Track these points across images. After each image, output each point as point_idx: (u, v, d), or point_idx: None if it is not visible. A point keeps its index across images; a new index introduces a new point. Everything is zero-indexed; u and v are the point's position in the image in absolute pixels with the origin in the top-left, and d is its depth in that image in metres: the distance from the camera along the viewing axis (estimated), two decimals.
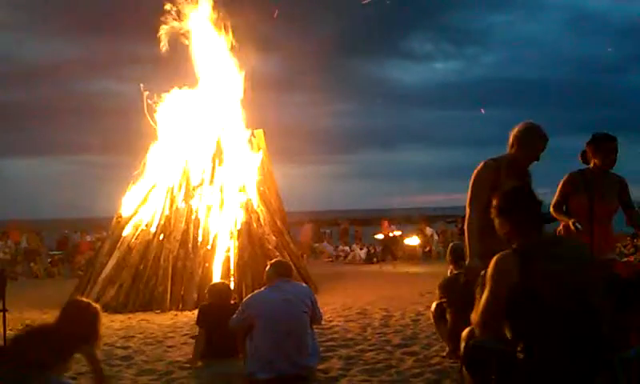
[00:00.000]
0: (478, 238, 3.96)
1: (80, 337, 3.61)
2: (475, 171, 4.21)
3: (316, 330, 5.51)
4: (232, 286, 9.87)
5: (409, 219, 26.40)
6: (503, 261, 2.71)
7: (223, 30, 11.77)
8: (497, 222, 2.91)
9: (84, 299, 4.03)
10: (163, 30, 11.35)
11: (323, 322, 7.56)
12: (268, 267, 5.31)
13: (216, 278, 9.78)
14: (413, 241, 18.33)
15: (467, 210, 4.16)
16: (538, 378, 2.59)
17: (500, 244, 2.97)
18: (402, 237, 19.09)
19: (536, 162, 4.26)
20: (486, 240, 3.68)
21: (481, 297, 2.79)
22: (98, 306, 4.00)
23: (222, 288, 6.37)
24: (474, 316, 2.80)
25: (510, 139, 4.23)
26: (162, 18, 11.37)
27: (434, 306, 5.83)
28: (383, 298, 9.92)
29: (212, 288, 6.44)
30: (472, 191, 4.17)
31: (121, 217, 11.11)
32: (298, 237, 18.00)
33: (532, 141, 4.19)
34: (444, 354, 5.66)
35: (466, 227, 4.12)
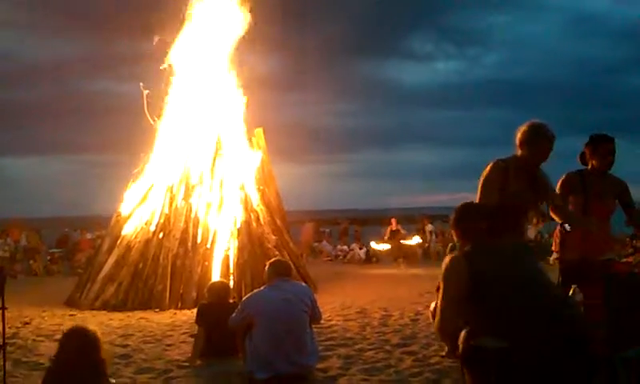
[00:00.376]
0: None
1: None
2: (484, 172, 4.19)
3: (315, 330, 5.51)
4: (231, 284, 9.89)
5: (411, 219, 26.34)
6: (454, 262, 3.03)
7: (225, 28, 11.77)
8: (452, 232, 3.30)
9: (79, 326, 3.50)
10: (164, 29, 11.35)
11: (322, 322, 7.58)
12: (267, 266, 5.31)
13: (215, 276, 9.78)
14: (414, 240, 18.27)
15: None
16: (517, 371, 2.73)
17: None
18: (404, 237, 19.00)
19: (545, 160, 4.22)
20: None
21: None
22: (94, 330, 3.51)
23: (221, 287, 6.39)
24: (436, 320, 3.01)
25: (517, 140, 4.19)
26: (163, 17, 11.37)
27: (432, 305, 5.83)
28: (382, 297, 9.92)
29: (211, 287, 6.46)
30: (481, 192, 4.14)
31: (120, 215, 11.11)
32: (298, 236, 17.99)
33: (538, 140, 4.15)
34: (443, 353, 5.66)
35: None
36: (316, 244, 20.15)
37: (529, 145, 4.14)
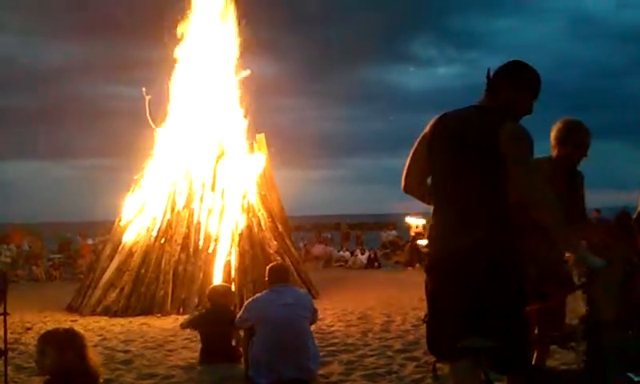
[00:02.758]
0: None
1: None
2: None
3: (316, 335, 5.51)
4: (233, 289, 9.88)
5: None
6: None
7: (228, 33, 11.81)
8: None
9: (60, 328, 3.16)
10: (168, 35, 11.39)
11: (324, 327, 7.58)
12: (267, 271, 5.31)
13: (217, 282, 9.77)
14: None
15: None
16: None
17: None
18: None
19: (584, 157, 3.90)
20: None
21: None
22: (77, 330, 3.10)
23: (223, 291, 6.36)
24: None
25: (552, 139, 3.90)
26: (167, 22, 11.41)
27: None
28: (384, 303, 9.90)
29: (212, 291, 6.43)
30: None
31: (122, 221, 11.12)
32: (299, 241, 17.96)
33: (573, 138, 3.85)
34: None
35: None
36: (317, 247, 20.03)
37: (564, 143, 3.84)
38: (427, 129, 2.97)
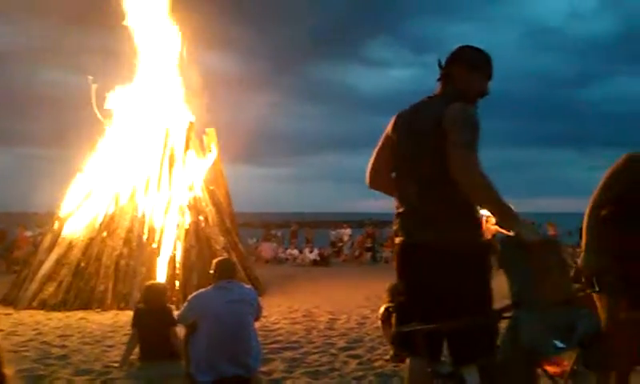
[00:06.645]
0: (595, 234, 3.45)
1: None
2: (613, 165, 3.54)
3: (261, 333, 5.47)
4: (177, 285, 9.70)
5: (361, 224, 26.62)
6: None
7: (178, 26, 11.59)
8: None
9: None
10: (115, 22, 11.08)
11: (268, 325, 7.55)
12: (213, 266, 5.23)
13: (161, 277, 9.58)
14: None
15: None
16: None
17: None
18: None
19: None
20: (611, 236, 3.35)
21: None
22: None
23: (157, 290, 6.15)
24: None
25: None
26: (114, 9, 11.10)
27: (382, 309, 5.90)
28: (330, 300, 9.94)
29: (146, 290, 6.17)
30: (602, 183, 3.52)
31: (62, 212, 10.74)
32: (247, 237, 17.81)
33: None
34: (387, 357, 5.71)
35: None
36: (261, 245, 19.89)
37: None
38: (389, 126, 3.07)
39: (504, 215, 2.63)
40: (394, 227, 3.00)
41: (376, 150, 3.11)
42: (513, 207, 2.69)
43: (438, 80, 2.96)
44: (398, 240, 2.97)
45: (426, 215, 2.80)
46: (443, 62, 2.97)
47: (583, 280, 3.41)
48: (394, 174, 3.04)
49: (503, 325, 2.76)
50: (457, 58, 2.95)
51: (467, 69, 2.92)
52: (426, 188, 2.80)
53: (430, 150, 2.77)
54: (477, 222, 2.86)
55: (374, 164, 3.11)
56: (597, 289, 3.30)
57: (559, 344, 2.55)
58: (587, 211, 3.49)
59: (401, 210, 2.94)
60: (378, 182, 3.13)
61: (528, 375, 2.69)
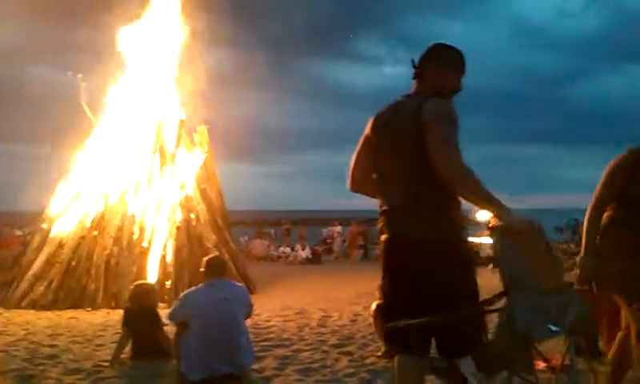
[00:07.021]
0: (594, 234, 3.41)
1: None
2: (614, 159, 3.47)
3: (252, 330, 5.46)
4: (168, 285, 9.65)
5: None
6: None
7: (171, 24, 11.53)
8: None
9: None
10: (106, 19, 11.01)
11: (260, 322, 7.54)
12: (203, 263, 5.21)
13: (152, 276, 9.54)
14: None
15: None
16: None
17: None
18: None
19: None
20: (612, 235, 3.34)
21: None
22: None
23: (143, 291, 6.08)
24: None
25: None
26: (106, 6, 11.02)
27: (374, 306, 5.89)
28: (322, 298, 9.94)
29: (133, 291, 6.09)
30: (603, 178, 3.44)
31: (52, 211, 10.66)
32: (239, 236, 17.77)
33: None
34: (379, 354, 5.71)
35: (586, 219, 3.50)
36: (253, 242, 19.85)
37: None
38: (367, 127, 3.04)
39: (492, 206, 2.63)
40: (379, 225, 2.99)
41: (355, 152, 3.09)
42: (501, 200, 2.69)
43: (413, 78, 2.97)
44: (383, 237, 2.96)
45: (410, 212, 2.80)
46: (417, 61, 2.98)
47: (580, 280, 3.40)
48: (375, 175, 3.04)
49: (490, 318, 2.77)
50: (430, 57, 2.97)
51: (441, 66, 2.94)
52: (409, 186, 2.79)
53: (410, 148, 2.76)
54: (459, 217, 2.86)
55: (354, 167, 3.09)
56: (595, 291, 3.33)
57: (554, 327, 2.57)
58: (588, 212, 3.44)
59: (385, 207, 2.94)
60: (360, 184, 3.11)
61: (523, 359, 2.71)
